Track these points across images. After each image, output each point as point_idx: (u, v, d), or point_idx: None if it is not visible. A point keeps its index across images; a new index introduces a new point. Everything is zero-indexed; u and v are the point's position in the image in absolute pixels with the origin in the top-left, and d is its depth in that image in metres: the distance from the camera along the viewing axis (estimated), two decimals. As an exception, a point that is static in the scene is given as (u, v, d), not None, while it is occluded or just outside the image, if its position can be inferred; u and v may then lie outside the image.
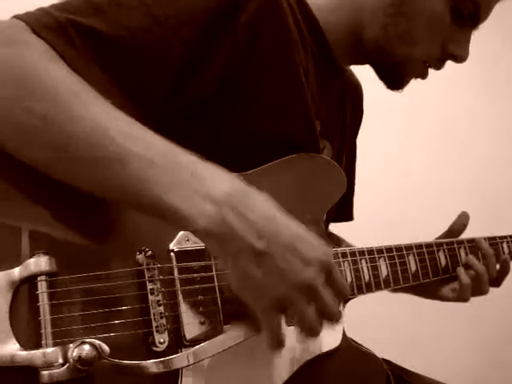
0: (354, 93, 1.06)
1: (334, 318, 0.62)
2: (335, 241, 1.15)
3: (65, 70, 0.61)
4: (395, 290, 1.01)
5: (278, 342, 0.62)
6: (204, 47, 0.70)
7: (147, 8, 0.67)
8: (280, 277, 0.58)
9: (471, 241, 0.96)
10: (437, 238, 0.99)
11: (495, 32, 2.15)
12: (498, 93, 2.37)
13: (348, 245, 1.14)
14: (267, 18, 0.74)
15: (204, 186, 0.58)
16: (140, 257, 0.66)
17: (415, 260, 0.88)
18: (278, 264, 0.58)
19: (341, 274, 0.62)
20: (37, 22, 0.63)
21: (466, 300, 0.95)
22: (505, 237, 1.01)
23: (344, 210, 1.13)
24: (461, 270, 0.93)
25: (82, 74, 0.62)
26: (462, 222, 0.99)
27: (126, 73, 0.65)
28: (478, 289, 0.94)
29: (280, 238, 0.58)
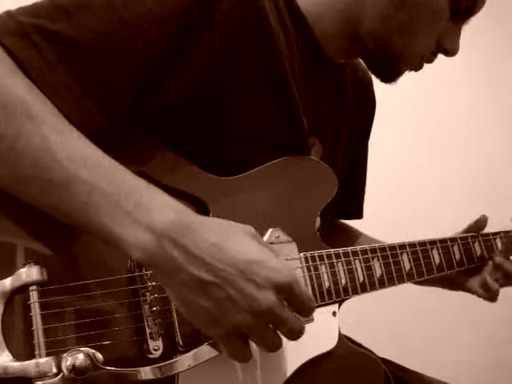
0: (358, 87, 1.03)
1: (295, 335, 0.60)
2: (350, 235, 1.14)
3: (21, 83, 0.59)
4: (420, 283, 1.01)
5: (243, 360, 0.60)
6: (174, 49, 0.68)
7: (114, 10, 0.66)
8: (232, 305, 0.56)
9: (464, 238, 0.96)
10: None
11: (496, 30, 2.17)
12: (498, 91, 2.37)
13: (365, 239, 1.13)
14: (244, 17, 0.73)
15: (146, 217, 0.56)
16: (132, 264, 0.66)
17: (409, 259, 0.88)
18: (228, 292, 0.56)
19: (306, 290, 0.61)
20: (1, 28, 0.62)
21: (493, 300, 0.98)
22: (498, 233, 1.01)
23: (353, 208, 1.13)
24: (488, 278, 0.96)
25: (47, 79, 0.62)
26: (479, 225, 0.99)
27: (92, 76, 0.64)
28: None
29: (229, 265, 0.56)
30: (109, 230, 0.57)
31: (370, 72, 0.94)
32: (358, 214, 1.14)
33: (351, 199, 1.10)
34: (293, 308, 0.60)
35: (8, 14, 0.64)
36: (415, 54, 0.86)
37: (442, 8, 0.83)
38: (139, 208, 0.57)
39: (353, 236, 1.14)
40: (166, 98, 0.70)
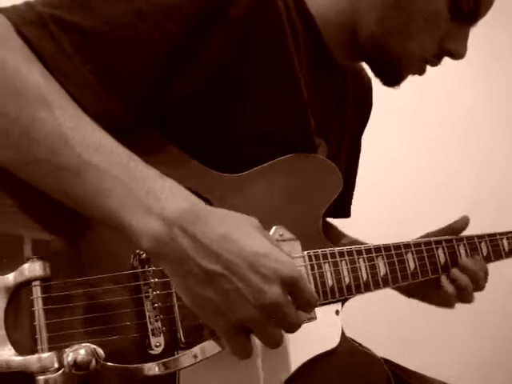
0: (358, 88, 1.04)
1: (293, 329, 0.60)
2: (336, 234, 1.14)
3: (37, 71, 0.60)
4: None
5: (245, 356, 0.60)
6: (190, 42, 0.69)
7: (132, 2, 0.66)
8: (239, 297, 0.56)
9: (471, 238, 0.95)
10: (431, 233, 0.97)
11: (497, 31, 2.16)
12: (499, 92, 2.37)
13: (350, 239, 1.13)
14: (259, 14, 0.73)
15: (157, 204, 0.57)
16: (134, 260, 0.66)
17: (414, 258, 0.87)
18: (236, 284, 0.56)
19: (309, 286, 0.60)
20: (19, 18, 0.63)
21: (450, 307, 0.94)
22: (505, 233, 1.00)
23: (342, 207, 1.12)
24: (444, 280, 0.91)
25: (64, 69, 0.62)
26: (461, 224, 0.97)
27: (108, 67, 0.65)
28: (463, 298, 0.93)
29: (238, 257, 0.56)
30: (119, 216, 0.57)
31: (373, 75, 0.93)
32: (346, 213, 1.14)
33: (341, 199, 1.10)
34: (296, 303, 0.60)
35: (27, 4, 0.65)
36: (414, 56, 0.85)
37: (439, 9, 0.81)
38: (151, 196, 0.57)
39: (337, 236, 1.14)
40: (180, 89, 0.70)
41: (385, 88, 0.92)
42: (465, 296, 0.92)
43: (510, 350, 2.17)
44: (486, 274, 0.94)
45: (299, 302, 0.60)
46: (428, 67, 0.88)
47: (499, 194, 2.24)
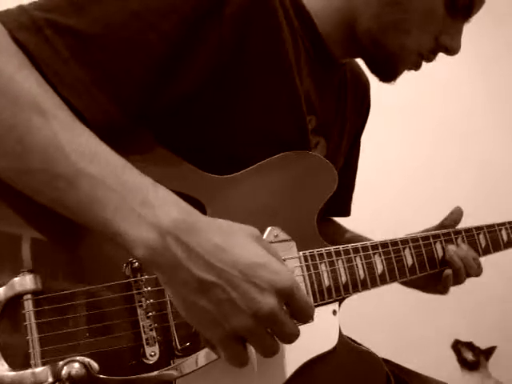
0: (357, 86, 1.04)
1: (290, 340, 0.60)
2: (338, 230, 1.13)
3: (32, 77, 0.59)
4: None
5: (240, 364, 0.60)
6: (186, 41, 0.68)
7: (126, 3, 0.66)
8: (233, 307, 0.55)
9: (469, 230, 0.95)
10: (426, 230, 0.96)
11: (496, 32, 2.14)
12: (498, 93, 2.36)
13: (353, 234, 1.12)
14: (254, 12, 0.72)
15: (152, 214, 0.56)
16: (127, 269, 0.65)
17: (411, 254, 0.86)
18: (230, 294, 0.55)
19: (306, 296, 0.60)
20: (13, 23, 0.62)
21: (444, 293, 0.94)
22: (503, 224, 0.99)
23: (342, 206, 1.12)
24: (447, 276, 0.91)
25: (60, 73, 0.62)
26: (454, 218, 0.96)
27: (104, 69, 0.64)
28: (457, 280, 0.93)
29: (232, 267, 0.56)
30: (112, 225, 0.56)
31: (370, 72, 0.92)
32: (346, 212, 1.14)
33: (340, 197, 1.09)
34: (291, 312, 0.60)
35: (20, 8, 0.64)
36: (410, 51, 0.85)
37: (435, 4, 0.82)
38: (144, 205, 0.56)
39: (339, 233, 1.13)
40: (176, 90, 0.70)
41: (383, 88, 0.92)
42: (458, 278, 0.92)
43: (510, 350, 2.18)
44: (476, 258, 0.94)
45: (295, 312, 0.60)
46: (425, 66, 0.88)
47: (498, 194, 2.24)
